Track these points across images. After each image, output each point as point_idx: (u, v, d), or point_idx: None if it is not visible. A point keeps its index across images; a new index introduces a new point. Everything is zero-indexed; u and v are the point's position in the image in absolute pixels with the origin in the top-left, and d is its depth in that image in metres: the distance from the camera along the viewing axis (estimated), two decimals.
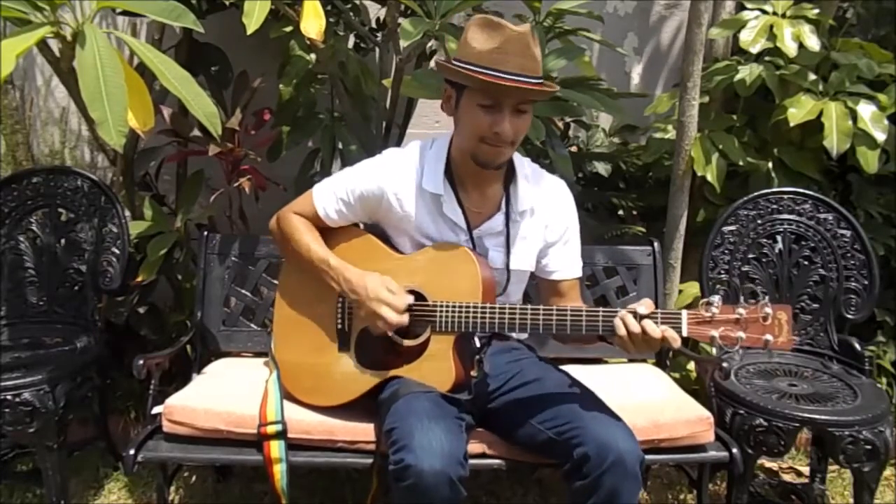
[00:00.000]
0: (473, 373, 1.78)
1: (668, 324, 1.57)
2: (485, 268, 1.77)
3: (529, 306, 1.71)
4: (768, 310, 1.51)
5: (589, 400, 1.73)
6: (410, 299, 1.74)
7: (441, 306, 1.73)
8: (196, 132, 2.59)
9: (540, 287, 1.97)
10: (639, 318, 1.57)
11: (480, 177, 1.81)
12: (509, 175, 1.84)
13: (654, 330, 1.55)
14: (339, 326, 1.86)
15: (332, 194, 1.87)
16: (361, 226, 1.95)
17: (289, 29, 2.38)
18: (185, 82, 1.85)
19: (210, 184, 2.70)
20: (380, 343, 1.80)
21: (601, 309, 1.65)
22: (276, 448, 1.81)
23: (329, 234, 1.90)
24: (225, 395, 1.96)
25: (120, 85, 1.72)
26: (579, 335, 1.69)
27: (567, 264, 1.92)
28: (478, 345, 1.82)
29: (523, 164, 1.88)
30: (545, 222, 1.87)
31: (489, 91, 1.65)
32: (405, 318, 1.73)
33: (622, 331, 1.58)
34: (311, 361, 1.89)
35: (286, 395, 1.90)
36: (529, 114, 1.73)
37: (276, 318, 1.99)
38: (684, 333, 1.56)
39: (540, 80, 1.68)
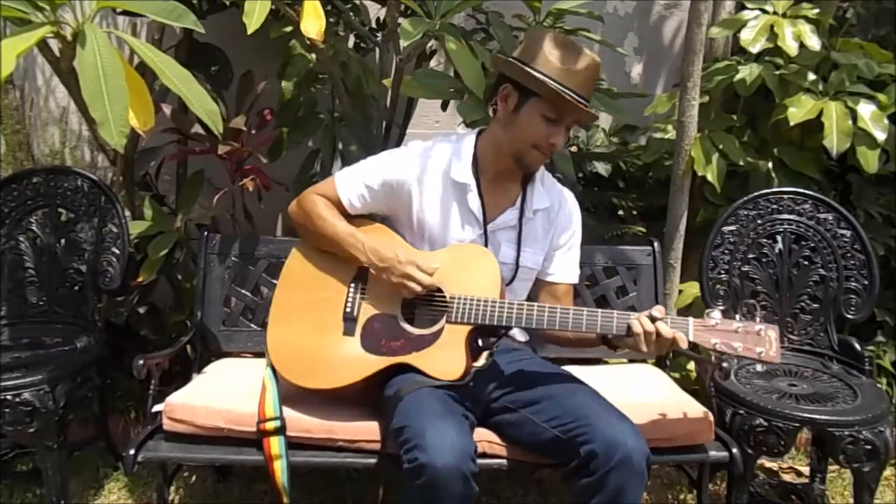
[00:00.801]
0: (477, 363, 1.79)
1: (677, 328, 1.67)
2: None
3: (547, 304, 1.77)
4: (760, 326, 1.66)
5: (594, 398, 1.74)
6: (438, 264, 1.80)
7: (458, 298, 1.77)
8: (198, 130, 2.59)
9: (535, 288, 2.01)
10: (652, 319, 1.66)
11: (505, 171, 1.90)
12: (527, 175, 1.93)
13: (667, 330, 1.65)
14: (348, 310, 1.88)
15: (356, 179, 1.93)
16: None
17: (289, 29, 2.38)
18: (185, 81, 1.85)
19: (213, 182, 2.70)
20: (387, 331, 1.82)
21: (615, 311, 1.73)
22: (275, 444, 1.81)
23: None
24: (225, 393, 1.96)
25: (120, 84, 1.71)
26: (584, 337, 1.79)
27: (566, 269, 2.00)
28: (481, 345, 1.83)
29: (541, 169, 1.97)
30: (555, 226, 1.97)
31: (560, 107, 1.77)
32: (434, 281, 1.79)
33: (638, 328, 1.66)
34: (309, 344, 1.88)
35: (284, 386, 1.89)
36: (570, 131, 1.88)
37: (275, 302, 1.97)
38: (691, 338, 1.67)
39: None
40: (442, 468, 1.50)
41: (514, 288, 1.92)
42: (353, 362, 1.82)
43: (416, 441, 1.54)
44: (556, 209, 1.98)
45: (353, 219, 1.96)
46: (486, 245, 1.89)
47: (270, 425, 1.82)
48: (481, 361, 1.79)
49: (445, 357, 1.76)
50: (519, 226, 1.91)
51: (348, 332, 1.86)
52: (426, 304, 1.81)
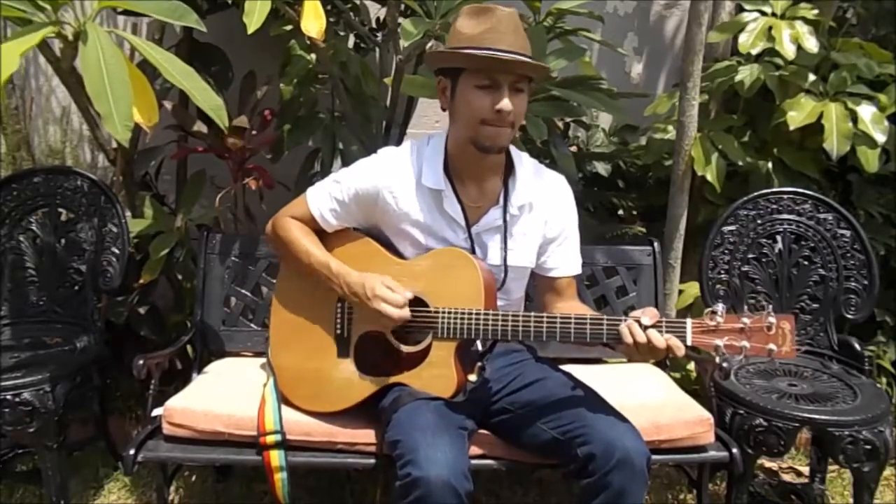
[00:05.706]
0: (472, 377, 1.76)
1: (673, 332, 1.57)
2: (486, 272, 1.76)
3: (533, 314, 1.70)
4: (772, 319, 1.52)
5: (592, 399, 1.73)
6: (409, 295, 1.74)
7: (442, 313, 1.72)
8: (199, 128, 2.59)
9: (537, 284, 1.96)
10: (644, 328, 1.57)
11: (480, 168, 1.80)
12: (508, 168, 1.84)
13: (659, 340, 1.56)
14: (339, 332, 1.85)
15: (327, 195, 1.86)
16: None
17: (288, 28, 2.38)
18: (189, 77, 1.84)
19: (217, 182, 2.69)
20: (380, 349, 1.79)
21: (605, 317, 1.65)
22: (276, 457, 1.81)
23: (328, 240, 1.89)
24: (225, 396, 1.96)
25: (124, 79, 1.71)
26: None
27: (566, 262, 1.91)
28: (480, 349, 1.80)
29: (521, 159, 1.87)
30: (545, 218, 1.86)
31: (486, 69, 1.67)
32: (406, 313, 1.72)
33: (629, 339, 1.58)
34: (309, 367, 1.88)
35: (285, 401, 1.89)
36: (526, 94, 1.74)
37: (272, 324, 1.97)
38: (689, 343, 1.57)
39: (532, 58, 1.71)
40: (434, 480, 1.49)
41: (507, 289, 1.86)
42: (350, 385, 1.82)
43: (410, 457, 1.53)
44: (546, 200, 1.86)
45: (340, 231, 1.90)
46: (472, 248, 1.81)
47: (271, 439, 1.81)
48: (473, 377, 1.76)
49: (435, 376, 1.73)
50: (504, 225, 1.82)
51: (342, 353, 1.84)
52: (415, 319, 1.75)
